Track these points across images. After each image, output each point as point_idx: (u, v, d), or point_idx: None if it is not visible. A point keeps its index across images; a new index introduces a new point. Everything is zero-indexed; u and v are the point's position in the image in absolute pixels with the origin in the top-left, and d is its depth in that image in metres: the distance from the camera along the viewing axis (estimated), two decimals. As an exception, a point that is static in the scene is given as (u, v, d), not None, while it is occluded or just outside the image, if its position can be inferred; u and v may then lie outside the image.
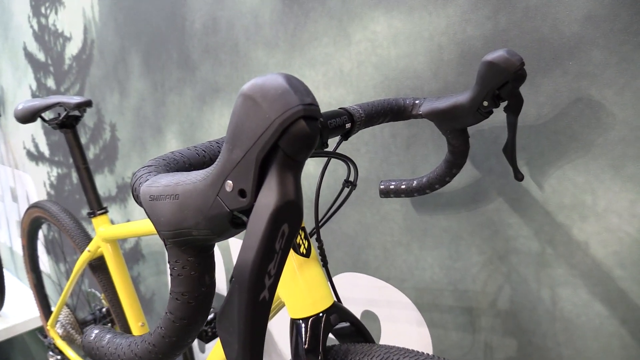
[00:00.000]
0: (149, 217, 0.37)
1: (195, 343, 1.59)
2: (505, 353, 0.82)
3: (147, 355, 0.42)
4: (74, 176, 2.01)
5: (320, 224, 0.73)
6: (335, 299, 0.67)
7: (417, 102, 0.74)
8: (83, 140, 1.88)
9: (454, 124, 0.70)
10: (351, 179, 0.69)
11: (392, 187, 0.83)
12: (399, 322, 0.96)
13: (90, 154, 1.84)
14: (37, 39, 2.04)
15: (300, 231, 0.65)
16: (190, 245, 0.37)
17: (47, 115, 1.24)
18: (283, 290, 0.65)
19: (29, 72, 2.16)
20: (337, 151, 0.64)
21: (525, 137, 0.74)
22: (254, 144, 0.30)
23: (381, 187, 0.84)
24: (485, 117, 0.67)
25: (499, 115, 0.76)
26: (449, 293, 0.87)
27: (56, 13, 1.86)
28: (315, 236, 0.72)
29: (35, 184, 2.35)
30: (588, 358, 0.73)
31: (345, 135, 0.67)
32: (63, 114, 1.13)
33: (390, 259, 0.95)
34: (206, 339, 1.18)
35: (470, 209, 0.82)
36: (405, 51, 0.85)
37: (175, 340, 0.41)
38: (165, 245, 0.38)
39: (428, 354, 0.56)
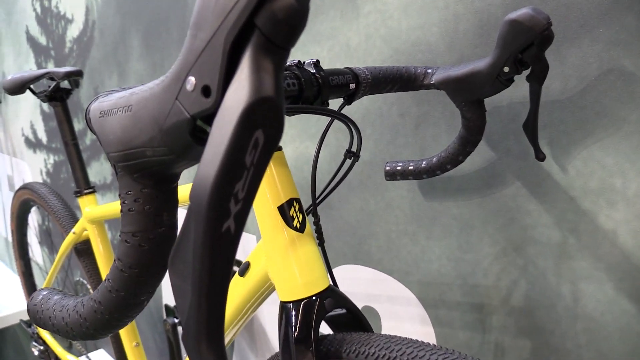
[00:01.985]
0: (99, 141, 0.30)
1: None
2: (519, 355, 0.74)
3: (92, 315, 0.35)
4: (71, 163, 1.95)
5: (318, 199, 0.66)
6: (331, 282, 0.59)
7: (429, 71, 0.67)
8: (79, 126, 1.82)
9: (470, 94, 0.63)
10: (354, 149, 0.63)
11: (398, 168, 0.76)
12: (401, 319, 0.88)
13: (87, 139, 1.79)
14: (39, 23, 1.99)
15: (294, 203, 0.58)
16: (145, 172, 0.30)
17: (38, 88, 1.18)
18: (272, 268, 0.58)
19: (31, 57, 2.12)
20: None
21: (548, 113, 0.67)
22: (221, 23, 0.23)
23: (387, 168, 0.77)
24: (505, 85, 0.60)
25: (518, 90, 0.69)
26: (457, 288, 0.80)
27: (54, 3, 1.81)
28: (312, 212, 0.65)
29: (32, 171, 2.29)
30: (613, 362, 0.65)
31: (349, 98, 0.60)
32: (52, 85, 1.07)
33: (395, 250, 0.88)
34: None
35: (483, 195, 0.75)
36: (417, 22, 0.79)
37: (123, 296, 0.33)
38: (116, 174, 0.31)
39: (431, 344, 0.49)
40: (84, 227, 1.15)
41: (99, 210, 1.04)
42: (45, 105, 2.05)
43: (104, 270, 1.14)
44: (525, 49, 0.56)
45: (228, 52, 0.23)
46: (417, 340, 0.50)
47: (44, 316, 0.39)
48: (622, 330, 0.64)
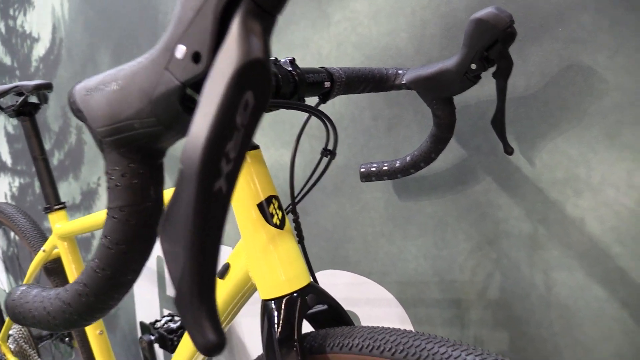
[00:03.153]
0: (83, 121, 0.30)
1: (161, 354, 1.48)
2: (497, 347, 0.75)
3: (76, 299, 0.34)
4: (37, 185, 1.90)
5: (297, 197, 0.67)
6: (312, 279, 0.60)
7: (400, 71, 0.69)
8: (47, 145, 1.78)
9: (440, 92, 0.66)
10: (330, 147, 0.64)
11: (373, 169, 0.78)
12: (382, 321, 0.89)
13: (55, 160, 1.75)
14: (3, 43, 1.96)
15: (273, 200, 0.59)
16: (132, 146, 0.30)
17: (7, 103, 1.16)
18: (253, 266, 0.58)
19: (-6, 78, 2.07)
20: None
21: (514, 109, 0.70)
22: None
23: (362, 170, 0.79)
24: (473, 82, 0.63)
25: (486, 89, 0.72)
26: (434, 285, 0.81)
27: (25, 14, 1.79)
28: (293, 210, 0.66)
29: (-4, 196, 2.22)
30: (587, 348, 0.67)
31: (324, 97, 0.61)
32: (21, 99, 1.05)
33: (372, 252, 0.88)
34: (171, 348, 1.08)
35: (456, 192, 0.77)
36: (386, 29, 0.81)
37: (109, 275, 0.33)
38: (102, 151, 0.31)
39: (413, 331, 0.50)
40: (54, 245, 1.12)
41: (70, 226, 1.02)
42: (10, 127, 2.00)
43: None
44: (491, 46, 0.59)
45: (218, 18, 0.24)
46: (399, 329, 0.51)
47: (23, 309, 0.37)
48: (595, 316, 0.66)
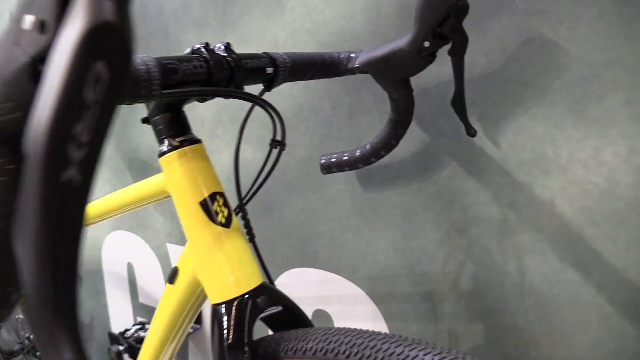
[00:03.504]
0: None
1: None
2: (473, 340, 0.72)
3: None
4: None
5: (247, 195, 0.62)
6: (266, 280, 0.56)
7: (352, 55, 0.65)
8: None
9: (395, 73, 0.62)
10: (279, 137, 0.60)
11: (333, 160, 0.73)
12: (354, 318, 0.85)
13: None
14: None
15: (218, 197, 0.54)
16: None
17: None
18: (200, 269, 0.54)
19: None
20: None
21: (475, 89, 0.66)
22: None
23: (322, 161, 0.74)
24: (428, 61, 0.59)
25: (445, 69, 0.68)
26: (405, 279, 0.77)
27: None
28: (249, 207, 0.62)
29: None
30: (565, 334, 0.63)
31: (269, 85, 0.57)
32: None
33: (340, 247, 0.84)
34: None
35: (422, 180, 0.73)
36: (340, 12, 0.77)
37: None
38: None
39: (370, 330, 0.46)
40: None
41: (97, 210, 0.94)
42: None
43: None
44: (443, 21, 0.55)
45: None
46: (355, 329, 0.47)
47: None
48: (571, 301, 0.63)
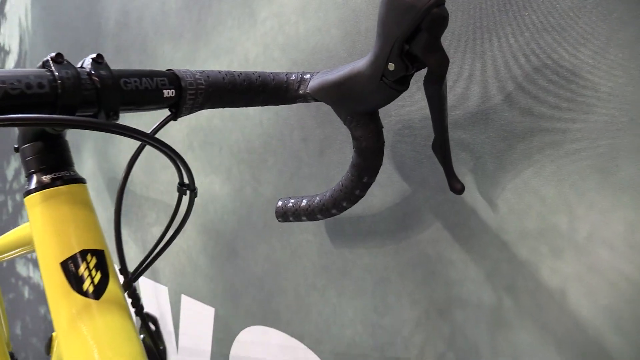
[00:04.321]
0: None
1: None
2: None
3: None
4: (10, 204, 1.80)
5: (155, 252, 0.49)
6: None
7: (306, 76, 0.50)
8: None
9: (355, 104, 0.47)
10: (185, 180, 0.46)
11: (290, 205, 0.59)
12: (317, 399, 0.69)
13: (9, 175, 1.65)
14: (-16, 57, 1.89)
15: (89, 257, 0.41)
16: None
17: None
18: (63, 347, 0.41)
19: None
20: (155, 135, 0.40)
21: (469, 128, 0.50)
22: None
23: (278, 205, 0.60)
24: (395, 91, 0.43)
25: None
26: (376, 362, 0.61)
27: (0, 27, 1.70)
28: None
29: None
30: None
31: (174, 112, 0.43)
32: None
33: (304, 310, 0.69)
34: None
35: (398, 240, 0.57)
36: (315, 25, 0.63)
37: None
38: None
39: None
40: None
41: None
42: (-10, 144, 1.92)
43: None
44: (412, 36, 0.40)
45: None
46: None
47: None
48: None
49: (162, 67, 0.90)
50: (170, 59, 0.89)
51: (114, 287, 0.41)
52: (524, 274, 0.47)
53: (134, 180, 1.03)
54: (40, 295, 1.64)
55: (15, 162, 1.72)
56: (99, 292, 0.40)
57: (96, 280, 0.40)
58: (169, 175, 0.92)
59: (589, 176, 0.43)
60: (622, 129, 0.41)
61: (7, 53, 1.66)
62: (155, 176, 0.96)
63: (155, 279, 1.00)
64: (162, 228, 0.92)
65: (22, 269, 1.75)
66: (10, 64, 1.65)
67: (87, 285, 0.40)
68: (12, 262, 1.83)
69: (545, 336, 0.46)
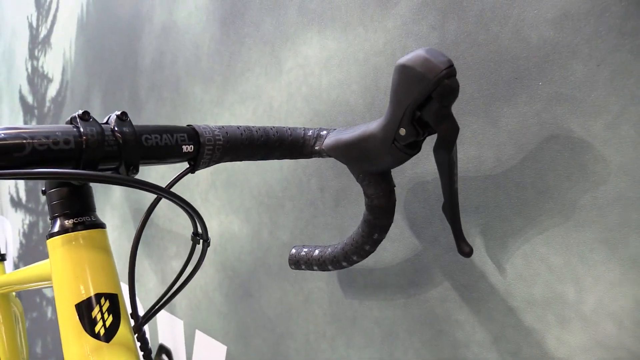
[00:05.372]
0: None
1: None
2: None
3: None
4: (41, 225, 1.86)
5: (165, 299, 0.50)
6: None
7: (323, 133, 0.53)
8: (31, 183, 1.75)
9: (367, 164, 0.48)
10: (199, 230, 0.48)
11: (303, 254, 0.60)
12: None
13: (42, 197, 1.71)
14: (29, 82, 1.99)
15: (102, 300, 0.43)
16: None
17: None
18: None
19: (20, 115, 2.11)
20: (171, 189, 0.42)
21: (480, 192, 0.51)
22: None
23: (292, 252, 0.61)
24: (407, 154, 0.45)
25: (445, 160, 0.53)
26: (380, 417, 0.60)
27: (45, 55, 1.80)
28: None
29: (12, 230, 2.22)
30: None
31: (192, 166, 0.46)
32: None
33: (312, 357, 0.69)
34: None
35: (408, 295, 0.57)
36: (337, 78, 0.65)
37: None
38: None
39: None
40: (-13, 303, 1.02)
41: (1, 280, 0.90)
42: (27, 165, 2.00)
43: (2, 348, 0.99)
44: (423, 104, 0.41)
45: None
46: None
47: None
48: None
49: (193, 106, 0.95)
50: (200, 99, 0.92)
51: (124, 331, 0.43)
52: (529, 342, 0.47)
53: (158, 214, 1.06)
54: (62, 315, 1.68)
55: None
56: (110, 335, 0.42)
57: (108, 323, 0.42)
58: (191, 210, 0.95)
59: (597, 248, 0.43)
60: (631, 204, 0.41)
61: (50, 81, 1.76)
62: (178, 210, 0.99)
63: (172, 312, 1.01)
64: (182, 261, 0.94)
65: (47, 289, 1.80)
66: (51, 91, 1.74)
67: (99, 327, 0.42)
68: (38, 281, 1.88)
69: (550, 408, 0.46)
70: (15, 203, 2.16)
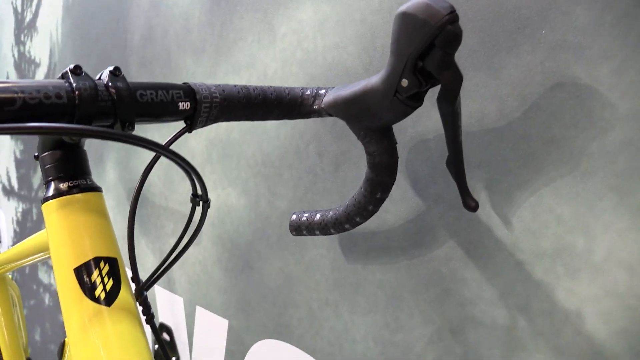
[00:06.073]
0: None
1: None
2: None
3: None
4: (35, 212, 1.84)
5: (168, 261, 0.49)
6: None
7: (321, 92, 0.51)
8: (23, 170, 1.73)
9: (368, 120, 0.47)
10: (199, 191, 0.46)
11: (304, 219, 0.59)
12: (327, 416, 0.68)
13: (35, 183, 1.70)
14: (16, 68, 1.95)
15: (102, 264, 0.41)
16: None
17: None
18: (74, 353, 0.41)
19: (9, 104, 2.07)
20: (171, 147, 0.41)
21: (484, 146, 0.50)
22: None
23: (292, 218, 0.60)
24: (409, 107, 0.44)
25: (447, 116, 0.52)
26: (387, 380, 0.60)
27: (31, 40, 1.77)
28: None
29: (6, 219, 2.20)
30: None
31: (189, 125, 0.44)
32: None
33: (316, 325, 0.69)
34: None
35: (411, 257, 0.57)
36: (333, 41, 0.64)
37: None
38: None
39: None
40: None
41: None
42: (18, 152, 1.97)
43: (1, 332, 0.97)
44: (426, 53, 0.40)
45: None
46: None
47: None
48: None
49: (185, 79, 0.93)
50: (192, 72, 0.90)
51: (125, 295, 0.42)
52: (539, 295, 0.46)
53: (153, 191, 1.05)
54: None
55: (40, 171, 1.77)
56: (110, 299, 0.41)
57: (108, 287, 0.41)
58: (187, 186, 0.94)
59: (605, 196, 0.42)
60: (640, 149, 0.40)
61: (37, 65, 1.72)
62: (173, 187, 0.98)
63: (171, 289, 1.00)
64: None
65: (43, 276, 1.79)
66: (40, 75, 1.71)
67: (99, 291, 0.41)
68: (34, 269, 1.87)
69: (560, 358, 0.45)
70: (8, 191, 2.13)
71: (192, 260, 0.93)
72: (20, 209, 2.00)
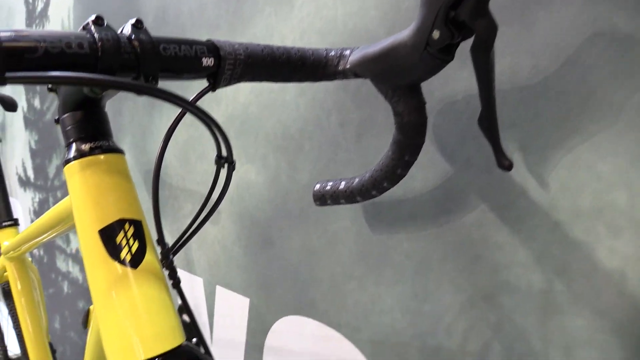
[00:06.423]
0: None
1: None
2: None
3: None
4: (51, 201, 1.85)
5: (194, 226, 0.48)
6: (184, 340, 0.41)
7: (346, 52, 0.49)
8: (39, 160, 1.74)
9: (396, 77, 0.45)
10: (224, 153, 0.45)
11: (328, 188, 0.57)
12: (353, 391, 0.67)
13: (51, 172, 1.70)
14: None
15: (127, 226, 0.40)
16: None
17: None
18: (99, 318, 0.40)
19: (22, 93, 2.08)
20: (196, 103, 0.39)
21: (516, 105, 0.48)
22: None
23: (315, 188, 0.59)
24: (441, 61, 0.42)
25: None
26: (415, 351, 0.59)
27: (43, 28, 1.76)
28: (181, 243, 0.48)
29: (23, 210, 2.21)
30: None
31: (212, 83, 0.43)
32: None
33: (341, 299, 0.67)
34: None
35: (440, 224, 0.55)
36: (354, 8, 0.62)
37: None
38: None
39: None
40: (3, 266, 1.00)
41: (15, 242, 0.88)
42: (33, 142, 1.98)
43: (22, 314, 0.98)
44: (459, 1, 0.38)
45: None
46: None
47: None
48: None
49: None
50: (207, 50, 0.89)
51: (151, 258, 0.41)
52: (578, 256, 0.44)
53: (170, 173, 1.04)
54: (78, 289, 1.68)
55: (56, 160, 1.77)
56: (136, 261, 0.40)
57: (134, 249, 0.40)
58: (205, 165, 0.93)
59: (650, 149, 0.40)
60: (688, 97, 0.38)
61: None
62: (191, 167, 0.97)
63: (191, 270, 1.00)
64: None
65: (62, 264, 1.80)
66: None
67: (124, 253, 0.40)
68: (52, 258, 1.88)
69: (601, 322, 0.43)
70: (24, 182, 2.15)
71: (211, 239, 0.92)
72: (37, 199, 2.01)
